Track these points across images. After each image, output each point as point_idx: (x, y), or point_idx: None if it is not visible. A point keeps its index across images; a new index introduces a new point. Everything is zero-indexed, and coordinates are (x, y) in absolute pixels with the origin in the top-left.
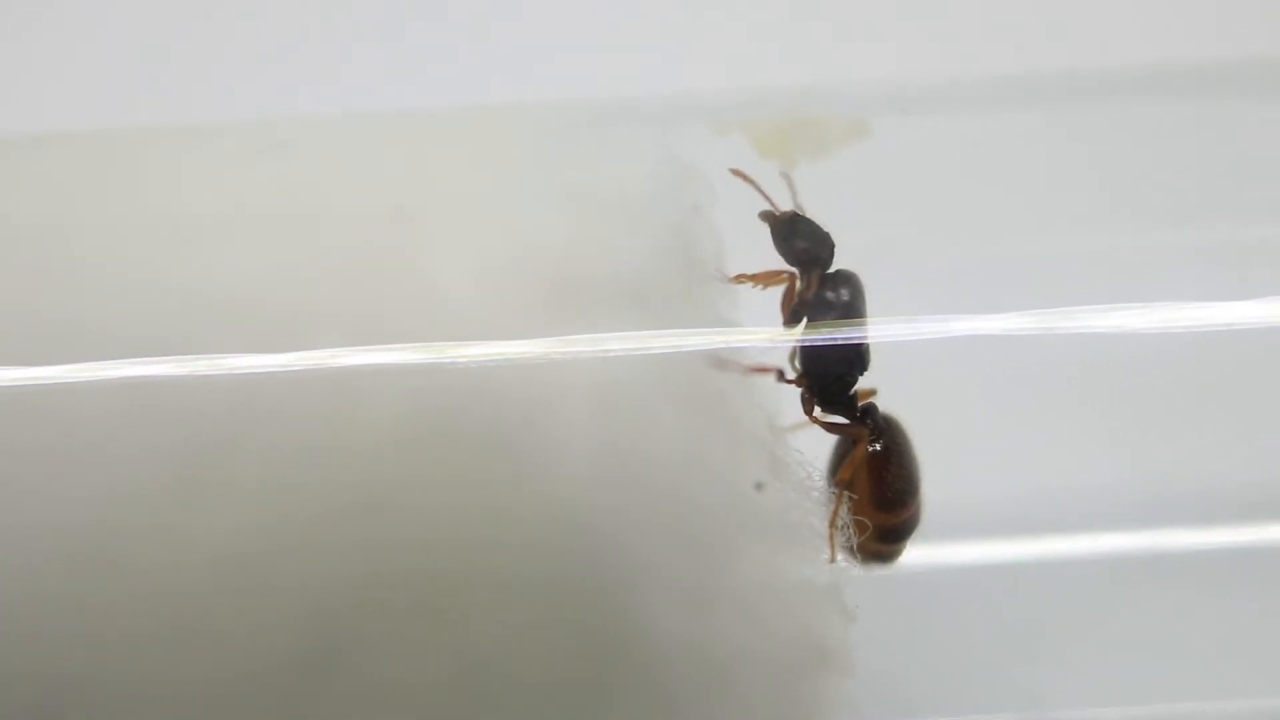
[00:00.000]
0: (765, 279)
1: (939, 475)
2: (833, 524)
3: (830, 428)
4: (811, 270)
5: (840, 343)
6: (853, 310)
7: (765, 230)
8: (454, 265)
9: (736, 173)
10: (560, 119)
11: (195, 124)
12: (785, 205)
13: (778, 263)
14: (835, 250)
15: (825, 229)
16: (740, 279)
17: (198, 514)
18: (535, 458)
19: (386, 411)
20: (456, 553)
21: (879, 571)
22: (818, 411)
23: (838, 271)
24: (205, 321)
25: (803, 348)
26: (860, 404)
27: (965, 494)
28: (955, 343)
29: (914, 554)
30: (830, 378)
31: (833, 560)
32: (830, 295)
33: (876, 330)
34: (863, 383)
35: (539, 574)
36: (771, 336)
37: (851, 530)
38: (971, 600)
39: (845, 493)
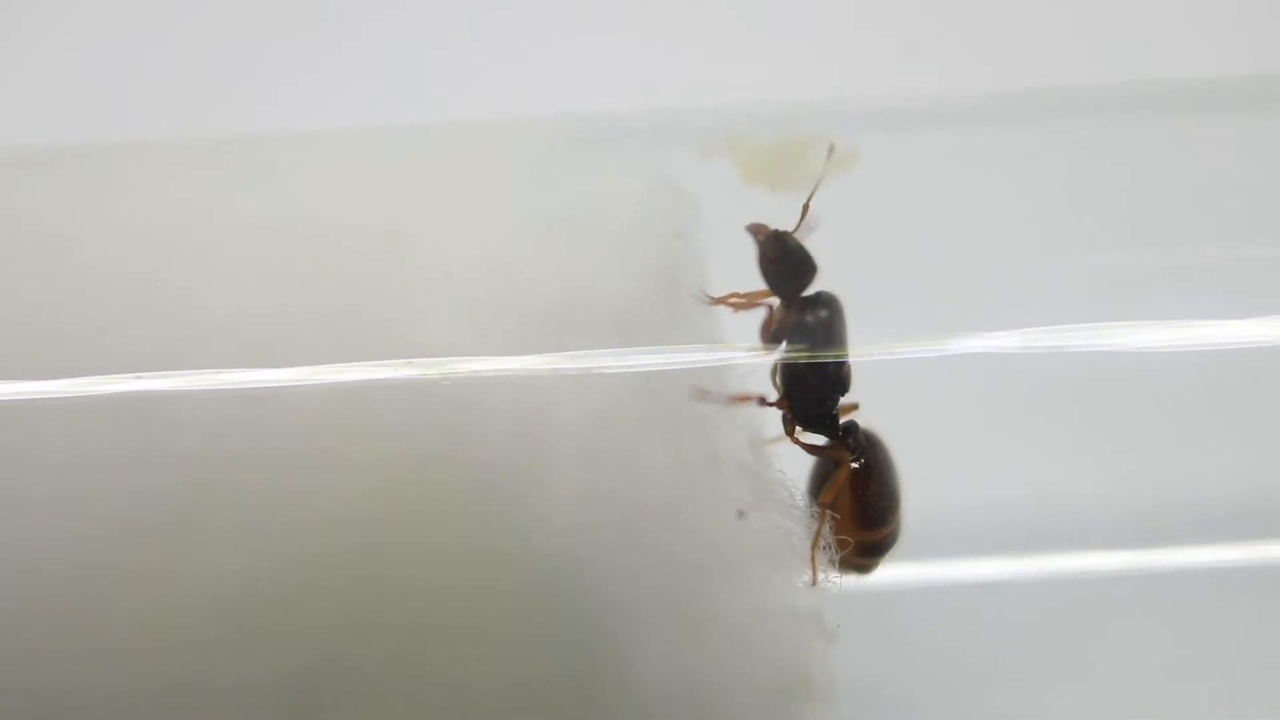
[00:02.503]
0: (746, 304)
1: (926, 491)
2: (815, 546)
3: (812, 449)
4: (791, 293)
5: (821, 365)
6: (832, 333)
7: (749, 246)
8: (438, 291)
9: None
10: (547, 138)
11: (184, 141)
12: (781, 224)
13: (759, 283)
14: (817, 273)
15: (809, 252)
16: (722, 301)
17: (180, 559)
18: (522, 502)
19: (371, 456)
20: (443, 598)
21: (859, 582)
22: (799, 432)
23: (818, 294)
24: (190, 340)
25: (783, 370)
26: (842, 422)
27: (950, 511)
28: (944, 360)
29: (898, 571)
30: (811, 400)
31: (815, 584)
32: (810, 319)
33: (858, 352)
34: (845, 399)
35: (526, 618)
36: (753, 354)
37: (833, 548)
38: (957, 618)
39: (828, 513)
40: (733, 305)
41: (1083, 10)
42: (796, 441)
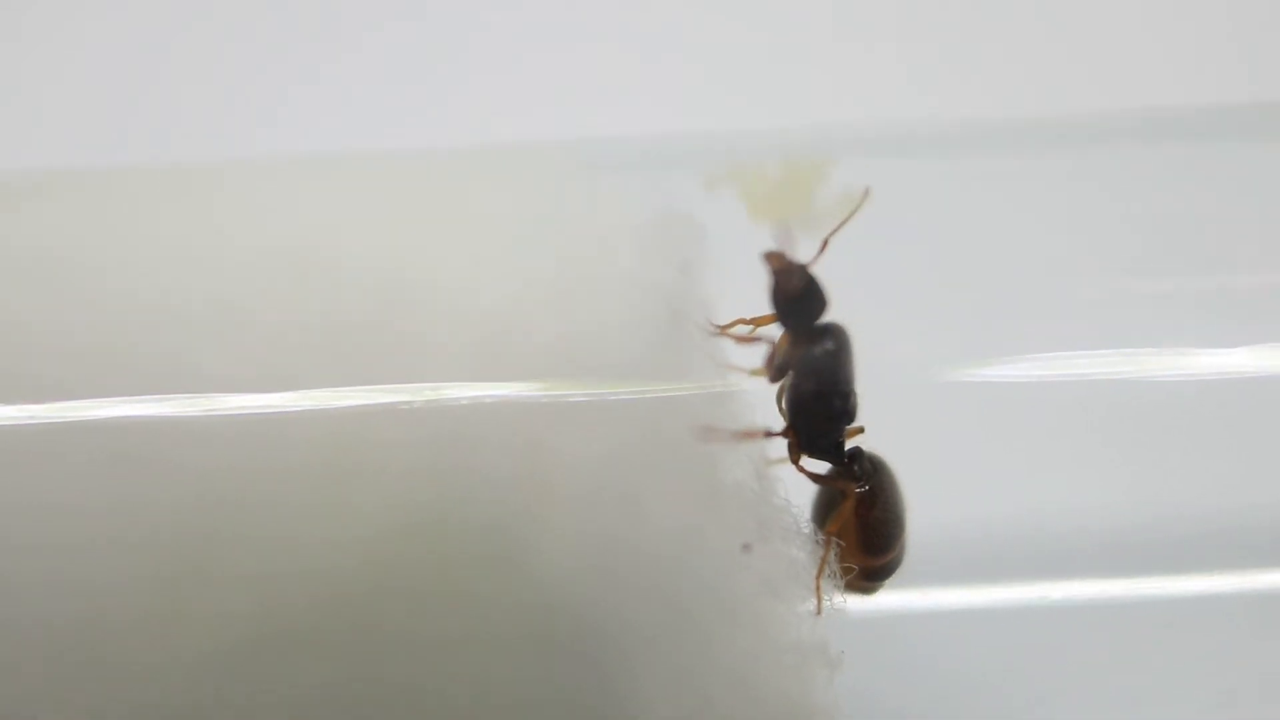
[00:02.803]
0: (751, 335)
1: (931, 516)
2: (820, 575)
3: (817, 479)
4: (802, 325)
5: (827, 395)
6: (839, 366)
7: (755, 276)
8: (441, 325)
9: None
10: (554, 166)
11: (187, 165)
12: (797, 252)
13: (763, 311)
14: (827, 306)
15: (821, 285)
16: (726, 330)
17: (181, 604)
18: (525, 544)
19: (372, 500)
20: (446, 640)
21: (863, 607)
22: (805, 460)
23: (826, 326)
24: (192, 369)
25: (789, 400)
26: (847, 448)
27: (954, 535)
28: (950, 384)
29: (901, 597)
30: (817, 429)
31: (819, 613)
32: (817, 351)
33: (866, 381)
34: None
35: (532, 661)
36: (758, 384)
37: (838, 574)
38: (962, 644)
39: (834, 541)
40: (737, 337)
41: (1086, 37)
42: (802, 470)
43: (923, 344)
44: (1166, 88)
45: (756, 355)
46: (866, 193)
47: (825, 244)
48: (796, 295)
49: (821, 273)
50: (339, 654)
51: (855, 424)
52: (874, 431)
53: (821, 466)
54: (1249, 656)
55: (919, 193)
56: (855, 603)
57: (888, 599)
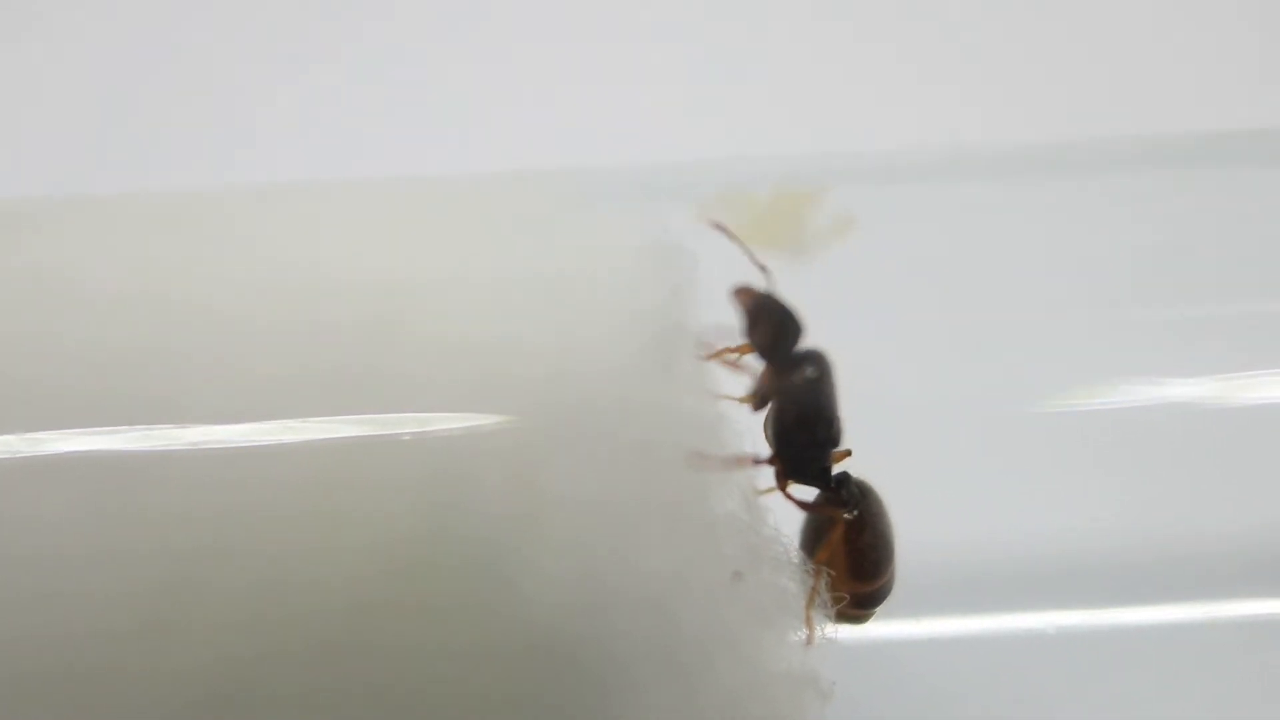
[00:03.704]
0: (736, 364)
1: (922, 545)
2: (810, 604)
3: (804, 507)
4: (778, 354)
5: (810, 422)
6: (819, 392)
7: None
8: (427, 356)
9: (719, 227)
10: (545, 193)
11: (177, 196)
12: (763, 275)
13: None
14: (803, 332)
15: (794, 312)
16: (716, 356)
17: (157, 654)
18: (515, 586)
19: (358, 540)
20: (433, 685)
21: (854, 636)
22: (792, 488)
23: (805, 354)
24: (178, 407)
25: (773, 428)
26: (834, 474)
27: (946, 563)
28: (944, 409)
29: (892, 626)
30: (802, 456)
31: (811, 642)
32: (795, 379)
33: (857, 406)
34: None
35: (520, 703)
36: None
37: (829, 603)
38: (955, 672)
39: (823, 570)
40: (726, 363)
41: (1086, 64)
42: (789, 498)
43: (916, 370)
44: (1153, 114)
45: (743, 383)
46: (851, 221)
47: (764, 269)
48: (767, 328)
49: (795, 299)
50: (324, 703)
51: (842, 448)
52: (865, 457)
53: (809, 493)
54: (1247, 682)
55: (914, 217)
56: (847, 631)
57: (879, 628)
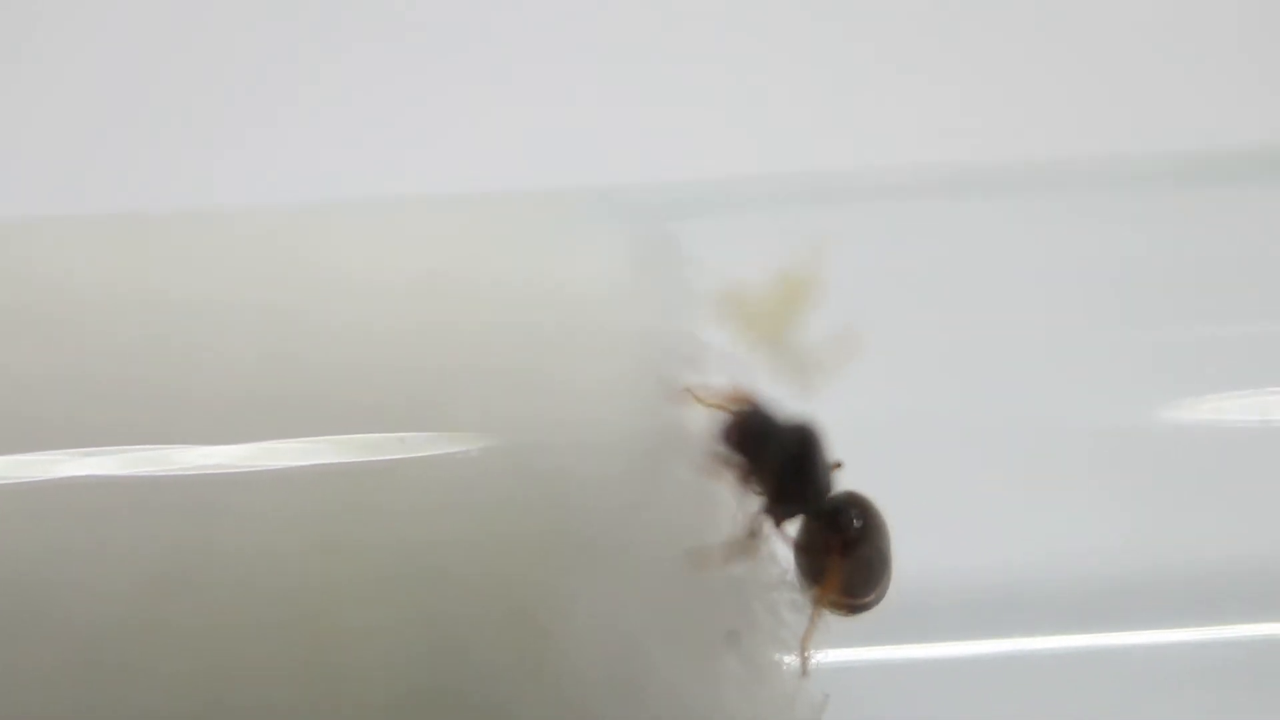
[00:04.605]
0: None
1: (919, 565)
2: (808, 638)
3: (802, 550)
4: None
5: (802, 489)
6: (811, 466)
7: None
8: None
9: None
10: (539, 209)
11: (171, 212)
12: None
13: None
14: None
15: (769, 422)
16: (691, 394)
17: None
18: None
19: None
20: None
21: (849, 659)
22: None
23: (789, 437)
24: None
25: (765, 497)
26: (831, 500)
27: (942, 584)
28: (945, 426)
29: (888, 650)
30: (795, 505)
31: (805, 674)
32: (790, 483)
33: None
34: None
35: None
36: None
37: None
38: (949, 695)
39: (821, 611)
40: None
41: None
42: (785, 539)
43: (910, 388)
44: (1157, 130)
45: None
46: (858, 340)
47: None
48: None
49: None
50: None
51: (833, 461)
52: (863, 475)
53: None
54: (1248, 705)
55: (920, 232)
56: (841, 656)
57: (875, 653)
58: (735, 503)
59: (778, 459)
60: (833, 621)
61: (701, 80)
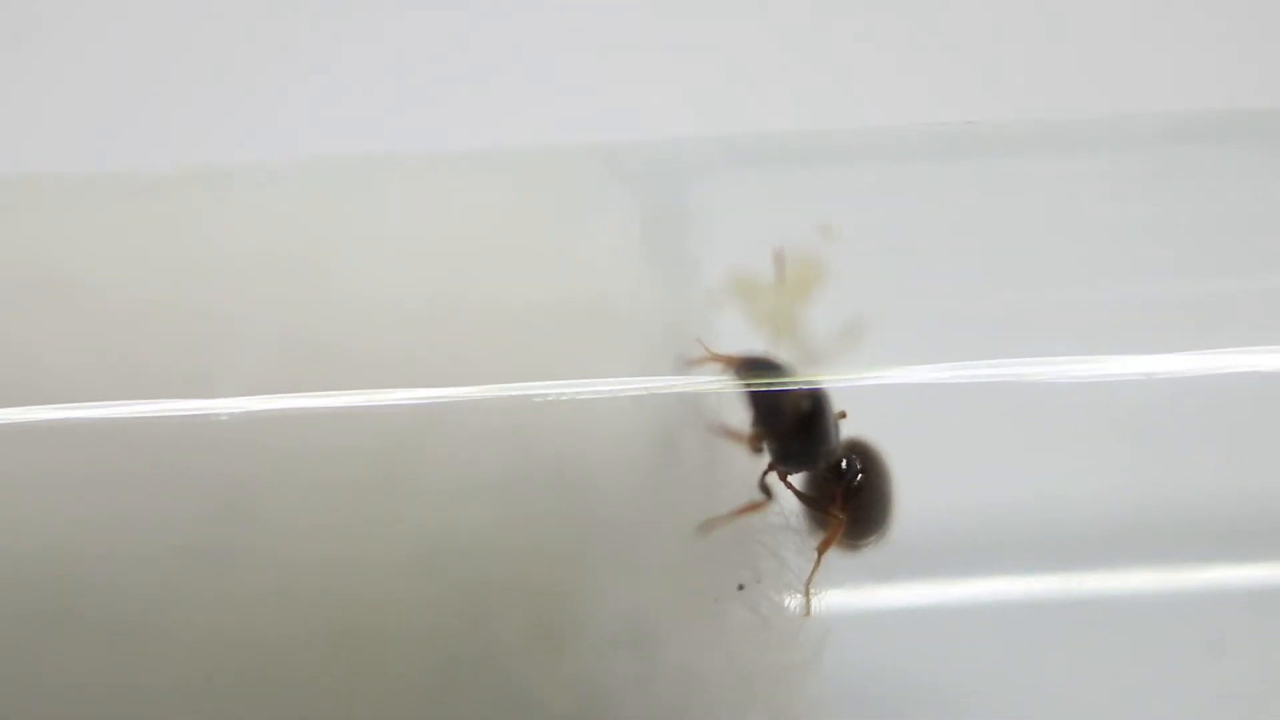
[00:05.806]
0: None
1: (922, 511)
2: (810, 581)
3: (807, 501)
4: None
5: (807, 439)
6: (819, 425)
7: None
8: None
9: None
10: (550, 167)
11: (192, 168)
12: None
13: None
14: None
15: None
16: (701, 361)
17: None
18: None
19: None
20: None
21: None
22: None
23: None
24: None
25: (775, 455)
26: (834, 456)
27: (945, 529)
28: (946, 383)
29: (893, 591)
30: (800, 455)
31: (808, 614)
32: (799, 441)
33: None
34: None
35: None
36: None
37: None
38: (955, 642)
39: (824, 557)
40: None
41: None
42: (790, 487)
43: (921, 340)
44: (1159, 92)
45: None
46: (862, 325)
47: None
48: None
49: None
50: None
51: (836, 411)
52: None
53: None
54: (1251, 651)
55: (925, 193)
56: (845, 599)
57: (878, 595)
58: (745, 463)
59: (787, 419)
60: (835, 562)
61: (709, 37)
